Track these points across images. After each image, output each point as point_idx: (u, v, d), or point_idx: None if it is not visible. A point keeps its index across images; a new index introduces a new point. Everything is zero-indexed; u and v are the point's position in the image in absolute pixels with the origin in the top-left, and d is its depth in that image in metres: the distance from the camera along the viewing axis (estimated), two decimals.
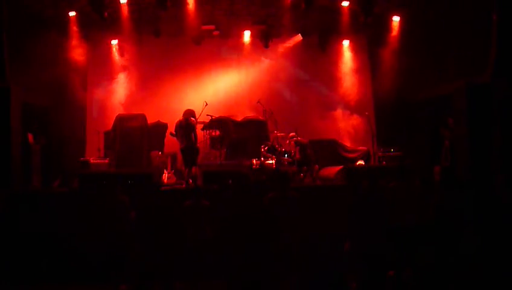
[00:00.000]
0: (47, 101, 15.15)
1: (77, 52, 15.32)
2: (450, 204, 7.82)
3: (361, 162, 15.09)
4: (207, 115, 14.67)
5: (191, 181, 12.54)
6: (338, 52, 17.60)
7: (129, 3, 15.11)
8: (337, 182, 12.64)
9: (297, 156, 13.86)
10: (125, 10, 15.21)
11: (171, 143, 14.45)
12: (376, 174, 11.49)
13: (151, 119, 15.42)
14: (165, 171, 13.96)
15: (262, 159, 14.17)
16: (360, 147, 15.92)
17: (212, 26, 16.68)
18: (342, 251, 7.76)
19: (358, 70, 17.54)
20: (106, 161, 14.34)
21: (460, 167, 11.91)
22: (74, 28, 15.20)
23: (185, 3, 15.12)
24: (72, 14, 15.06)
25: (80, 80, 15.73)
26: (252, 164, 14.07)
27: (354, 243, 7.67)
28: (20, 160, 11.87)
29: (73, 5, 14.95)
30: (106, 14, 14.75)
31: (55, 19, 15.01)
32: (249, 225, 7.13)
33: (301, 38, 17.18)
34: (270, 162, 14.12)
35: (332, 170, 13.45)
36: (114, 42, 16.64)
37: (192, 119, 13.28)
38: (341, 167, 13.22)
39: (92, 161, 14.12)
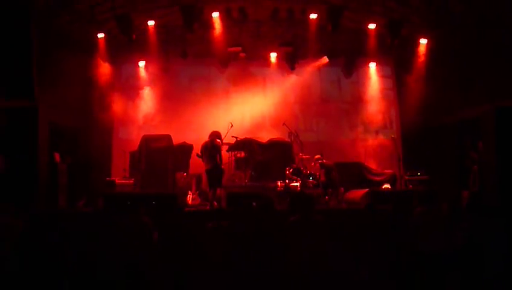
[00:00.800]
0: (74, 121, 15.30)
1: (104, 73, 15.51)
2: (478, 231, 7.64)
3: (387, 185, 14.89)
4: (232, 136, 14.71)
5: (215, 203, 12.51)
6: (364, 75, 17.57)
7: (157, 25, 15.29)
8: (362, 206, 12.48)
9: (323, 178, 13.78)
10: (152, 32, 15.39)
11: (196, 164, 14.46)
12: (402, 198, 11.36)
13: (176, 140, 15.44)
14: (189, 192, 13.96)
15: (287, 181, 14.08)
16: (386, 170, 15.73)
17: (238, 48, 16.75)
18: (364, 276, 7.62)
19: (384, 92, 17.48)
20: (131, 182, 14.37)
21: (489, 192, 11.67)
22: (102, 49, 15.39)
23: (212, 26, 15.26)
24: (100, 35, 15.28)
25: (106, 101, 15.86)
26: (277, 186, 13.98)
27: (377, 269, 7.53)
28: (46, 179, 11.98)
29: (102, 26, 15.18)
30: (134, 36, 14.95)
31: (83, 40, 15.22)
32: (271, 248, 7.05)
33: (327, 60, 17.16)
34: (295, 184, 14.02)
35: (358, 193, 13.30)
36: (141, 64, 16.82)
37: (218, 140, 13.31)
38: (367, 190, 13.07)
39: (117, 181, 14.17)
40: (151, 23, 15.16)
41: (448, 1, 14.06)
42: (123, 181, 14.31)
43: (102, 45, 15.39)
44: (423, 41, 15.73)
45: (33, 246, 10.01)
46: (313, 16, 15.18)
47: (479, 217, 8.06)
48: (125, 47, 15.99)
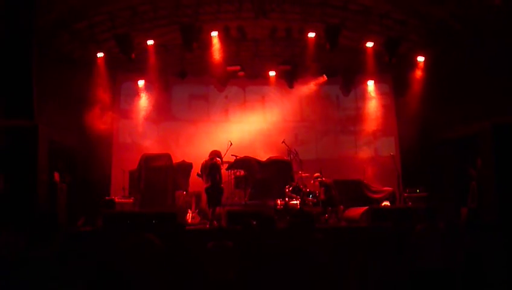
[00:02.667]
0: (73, 140, 15.32)
1: (104, 92, 15.57)
2: (477, 248, 7.64)
3: (386, 203, 14.88)
4: (232, 155, 14.73)
5: (215, 222, 12.50)
6: (363, 92, 17.68)
7: (156, 44, 15.38)
8: (362, 223, 12.47)
9: (322, 196, 13.77)
10: (152, 51, 15.49)
11: (196, 182, 14.48)
12: (402, 216, 11.36)
13: (176, 159, 15.47)
14: (189, 210, 13.95)
15: (286, 199, 14.07)
16: (386, 188, 15.72)
17: (237, 67, 16.86)
18: None
19: (383, 110, 17.55)
20: (131, 200, 14.37)
21: (487, 209, 11.66)
22: (102, 68, 15.49)
23: (211, 45, 15.35)
24: (100, 55, 15.37)
25: (106, 120, 15.90)
26: (277, 204, 13.96)
27: (377, 287, 7.50)
28: (45, 198, 11.95)
29: (101, 46, 15.30)
30: (133, 55, 15.04)
31: (83, 59, 15.34)
32: (272, 267, 7.03)
33: (326, 78, 17.26)
34: (295, 202, 14.00)
35: (357, 211, 13.27)
36: (141, 82, 16.90)
37: (218, 159, 13.33)
38: (366, 207, 13.06)
39: (116, 200, 14.15)
40: (150, 42, 15.26)
41: (445, 19, 14.19)
42: (122, 200, 14.28)
43: (101, 64, 15.48)
44: (420, 58, 15.84)
45: (33, 264, 9.99)
46: (311, 34, 15.29)
47: (478, 234, 8.08)
48: (125, 66, 16.12)
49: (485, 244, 7.61)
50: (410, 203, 14.34)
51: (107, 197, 14.46)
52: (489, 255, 7.51)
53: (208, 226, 12.60)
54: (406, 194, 14.75)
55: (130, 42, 14.76)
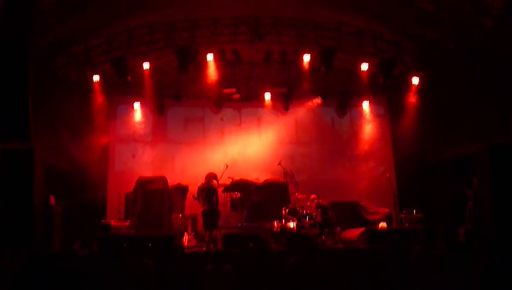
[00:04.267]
0: (69, 163, 15.27)
1: (100, 114, 15.57)
2: (475, 268, 7.59)
3: (383, 224, 14.85)
4: (228, 177, 14.71)
5: (212, 245, 12.44)
6: (358, 114, 17.77)
7: (152, 67, 15.43)
8: (359, 245, 12.43)
9: (319, 218, 13.73)
10: (148, 74, 15.53)
11: (192, 205, 14.46)
12: (399, 237, 11.32)
13: (172, 182, 15.41)
14: (185, 233, 13.87)
15: (283, 221, 14.03)
16: (382, 209, 15.68)
17: (233, 90, 16.92)
18: None
19: (378, 131, 17.61)
20: (127, 224, 14.29)
21: (484, 229, 11.65)
22: (98, 91, 15.50)
23: (206, 68, 15.42)
24: (96, 77, 15.40)
25: (102, 142, 15.87)
26: (273, 226, 13.92)
27: None
28: (41, 222, 11.87)
29: (97, 69, 15.34)
30: (129, 78, 15.09)
31: (79, 82, 15.37)
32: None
33: (321, 100, 17.33)
34: (292, 224, 13.96)
35: (354, 233, 13.24)
36: (136, 105, 16.92)
37: (214, 182, 13.34)
38: (363, 229, 13.02)
39: (112, 223, 14.07)
40: (146, 65, 15.30)
41: (438, 39, 14.31)
42: (118, 223, 14.21)
43: (97, 87, 15.50)
44: (415, 79, 15.92)
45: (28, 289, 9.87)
46: (306, 57, 15.38)
47: (476, 254, 8.04)
48: (121, 88, 16.17)
49: (483, 264, 7.55)
50: (407, 224, 14.33)
51: (103, 221, 14.38)
52: (487, 275, 7.43)
53: (204, 249, 12.54)
54: (402, 215, 14.72)
55: (125, 65, 14.81)
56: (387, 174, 16.04)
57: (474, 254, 7.88)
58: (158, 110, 17.01)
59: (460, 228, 12.73)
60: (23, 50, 11.38)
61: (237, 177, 15.32)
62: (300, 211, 14.31)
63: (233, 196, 15.17)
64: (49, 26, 12.88)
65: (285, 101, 17.48)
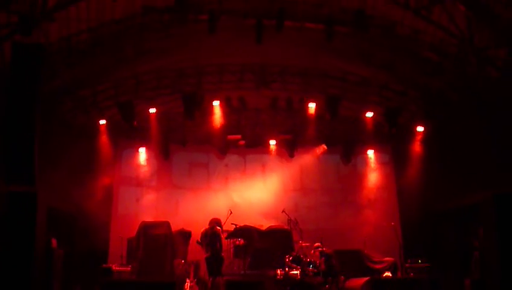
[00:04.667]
0: (73, 206, 15.23)
1: (105, 158, 15.63)
2: None
3: (388, 273, 14.65)
4: (231, 223, 14.62)
5: None
6: (363, 162, 17.78)
7: (158, 112, 15.55)
8: None
9: (323, 266, 13.56)
10: (154, 119, 15.65)
11: (195, 251, 14.32)
12: (404, 287, 11.15)
13: (175, 227, 15.34)
14: (187, 280, 13.71)
15: (286, 269, 13.85)
16: (387, 258, 15.49)
17: (238, 136, 17.00)
18: None
19: (383, 179, 17.60)
20: (128, 269, 14.15)
21: (491, 280, 11.46)
22: (104, 135, 15.61)
23: (212, 114, 15.54)
24: (102, 122, 15.52)
25: (106, 186, 15.86)
26: (276, 274, 13.74)
27: None
28: (41, 265, 11.76)
29: (104, 113, 15.49)
30: (135, 122, 15.21)
31: (85, 126, 15.48)
32: None
33: (326, 148, 17.38)
34: (295, 272, 13.78)
35: (358, 282, 13.05)
36: (142, 150, 16.98)
37: (218, 228, 13.26)
38: (367, 278, 12.84)
39: (114, 268, 13.94)
40: (152, 110, 15.43)
41: (443, 90, 14.41)
42: (120, 268, 14.07)
43: (103, 131, 15.61)
44: (420, 128, 15.97)
45: None
46: (312, 105, 15.50)
47: None
48: (126, 133, 16.26)
49: None
50: (412, 274, 14.13)
51: (104, 265, 14.25)
52: None
53: None
54: (407, 265, 14.53)
55: (132, 110, 14.97)
56: (392, 223, 15.91)
57: None
58: (163, 154, 17.06)
59: (466, 278, 12.54)
60: (31, 95, 11.52)
61: (241, 224, 15.22)
62: (304, 258, 14.16)
63: (237, 242, 15.06)
64: (57, 70, 13.08)
65: (290, 148, 17.55)
